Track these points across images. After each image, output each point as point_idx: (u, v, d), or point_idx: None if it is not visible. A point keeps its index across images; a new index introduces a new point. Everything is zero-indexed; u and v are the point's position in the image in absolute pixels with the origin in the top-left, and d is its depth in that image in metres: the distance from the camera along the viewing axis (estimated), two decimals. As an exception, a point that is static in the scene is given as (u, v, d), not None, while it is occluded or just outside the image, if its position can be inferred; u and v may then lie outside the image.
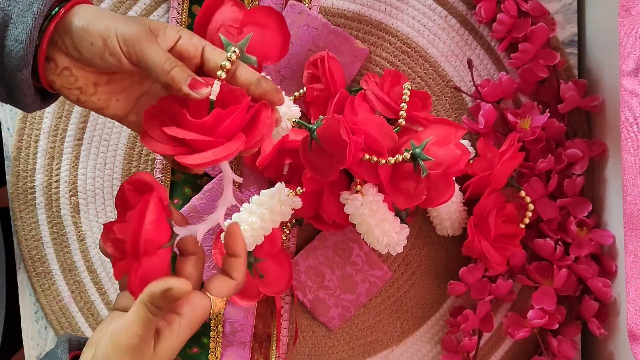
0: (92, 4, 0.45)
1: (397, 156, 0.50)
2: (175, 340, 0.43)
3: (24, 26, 0.40)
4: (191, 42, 0.44)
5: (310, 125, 0.50)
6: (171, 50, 0.44)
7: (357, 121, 0.51)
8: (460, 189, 0.59)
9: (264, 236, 0.55)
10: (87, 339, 0.45)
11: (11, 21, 0.40)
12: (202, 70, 0.45)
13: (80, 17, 0.42)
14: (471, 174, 0.57)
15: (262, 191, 0.55)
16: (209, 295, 0.44)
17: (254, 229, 0.54)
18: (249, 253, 0.57)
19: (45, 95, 0.46)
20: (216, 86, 0.43)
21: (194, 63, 0.44)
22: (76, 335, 0.45)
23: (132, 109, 0.47)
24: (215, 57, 0.44)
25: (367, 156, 0.50)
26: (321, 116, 0.50)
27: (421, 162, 0.49)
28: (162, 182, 0.62)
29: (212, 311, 0.44)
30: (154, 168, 0.62)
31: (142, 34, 0.42)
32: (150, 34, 0.42)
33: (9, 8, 0.40)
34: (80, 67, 0.43)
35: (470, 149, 0.59)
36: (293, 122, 0.51)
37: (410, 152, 0.50)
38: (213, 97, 0.43)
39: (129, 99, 0.47)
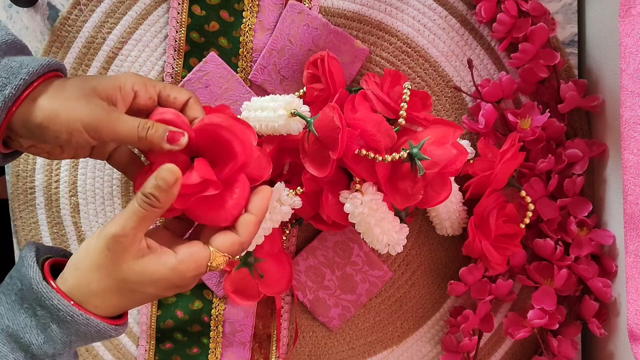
0: (63, 73, 0.45)
1: (394, 154, 0.50)
2: (160, 270, 0.41)
3: None
4: (147, 96, 0.45)
5: (309, 118, 0.51)
6: (130, 107, 0.45)
7: (355, 117, 0.51)
8: (461, 189, 0.59)
9: (264, 236, 0.55)
10: (57, 247, 0.45)
11: None
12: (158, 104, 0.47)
13: (38, 113, 0.41)
14: (472, 174, 0.57)
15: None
16: (210, 248, 0.43)
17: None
18: (249, 253, 0.57)
19: (10, 153, 0.46)
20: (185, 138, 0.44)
21: (150, 108, 0.47)
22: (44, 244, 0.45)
23: (108, 154, 0.49)
24: (180, 95, 0.47)
25: (363, 151, 0.50)
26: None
27: (418, 162, 0.49)
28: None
29: (210, 265, 0.43)
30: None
31: (104, 114, 0.42)
32: (110, 110, 0.43)
33: None
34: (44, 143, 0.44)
35: (471, 149, 0.59)
36: (291, 112, 0.51)
37: (408, 151, 0.50)
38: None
39: (102, 151, 0.48)
